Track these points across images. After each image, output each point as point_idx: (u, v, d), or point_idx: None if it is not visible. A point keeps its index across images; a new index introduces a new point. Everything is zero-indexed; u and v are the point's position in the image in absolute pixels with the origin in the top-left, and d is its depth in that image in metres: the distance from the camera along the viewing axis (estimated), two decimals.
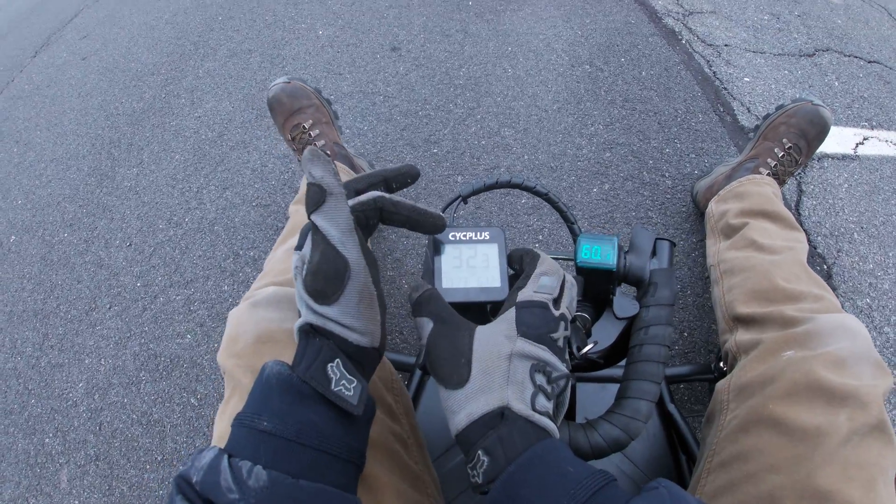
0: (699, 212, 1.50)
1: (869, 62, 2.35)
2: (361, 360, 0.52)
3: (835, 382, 0.70)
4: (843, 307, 1.36)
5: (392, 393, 0.80)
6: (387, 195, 0.57)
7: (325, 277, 0.49)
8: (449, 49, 2.28)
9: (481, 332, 0.53)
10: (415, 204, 0.57)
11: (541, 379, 0.50)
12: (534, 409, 0.48)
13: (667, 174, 1.67)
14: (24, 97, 2.64)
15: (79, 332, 1.53)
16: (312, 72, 2.24)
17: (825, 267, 1.48)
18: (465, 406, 0.49)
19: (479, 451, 0.47)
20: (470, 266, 0.63)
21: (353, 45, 2.38)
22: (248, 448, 0.46)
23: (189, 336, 1.44)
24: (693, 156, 1.73)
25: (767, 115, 1.42)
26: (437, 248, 0.64)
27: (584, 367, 0.73)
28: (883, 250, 1.55)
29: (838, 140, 1.88)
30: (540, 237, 1.52)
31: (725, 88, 2.02)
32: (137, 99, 2.32)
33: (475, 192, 0.89)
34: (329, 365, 0.49)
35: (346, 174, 1.36)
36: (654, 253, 0.70)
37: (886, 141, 1.93)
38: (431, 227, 0.58)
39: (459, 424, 0.49)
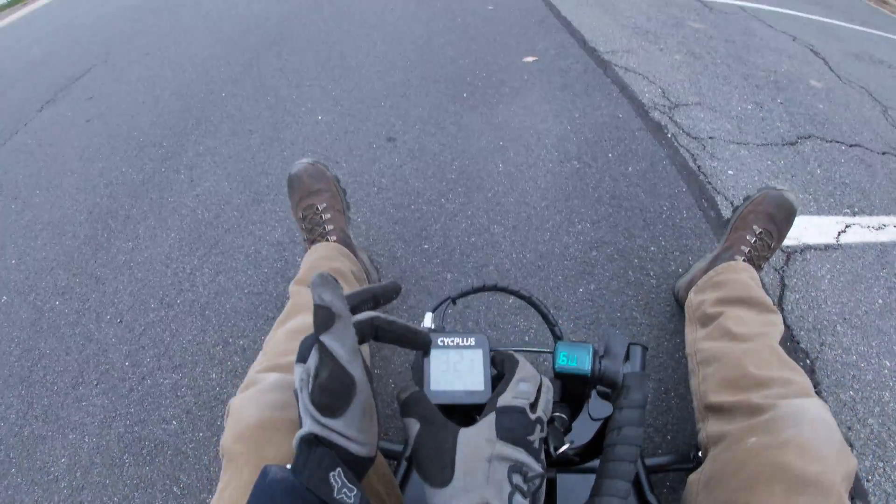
0: (681, 308, 1.53)
1: (850, 146, 2.45)
2: (358, 469, 0.56)
3: (796, 469, 0.73)
4: (826, 401, 1.39)
5: (382, 482, 0.82)
6: (382, 315, 0.61)
7: (332, 394, 0.53)
8: (443, 141, 2.36)
9: (464, 434, 0.57)
10: (407, 324, 0.62)
11: (518, 479, 0.54)
12: None
13: (651, 273, 1.72)
14: (27, 152, 2.71)
15: (64, 405, 1.53)
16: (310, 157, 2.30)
17: (808, 362, 1.51)
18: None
19: None
20: (456, 370, 0.67)
21: (351, 132, 2.46)
22: None
23: (175, 422, 1.44)
24: (677, 253, 1.78)
25: (737, 207, 1.49)
26: (426, 353, 0.68)
27: (562, 464, 0.76)
28: (866, 340, 1.58)
29: (820, 230, 1.94)
30: (526, 337, 1.55)
31: (709, 182, 2.09)
32: (138, 170, 2.38)
33: (464, 295, 0.96)
34: (331, 474, 0.52)
35: (347, 258, 1.41)
36: (627, 357, 0.74)
37: (868, 227, 1.98)
38: (420, 345, 0.64)
39: None
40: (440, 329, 0.87)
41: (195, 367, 1.56)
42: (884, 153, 2.46)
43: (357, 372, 0.55)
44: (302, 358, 0.58)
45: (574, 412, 0.78)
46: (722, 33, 3.78)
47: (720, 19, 4.13)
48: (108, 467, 1.38)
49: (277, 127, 2.57)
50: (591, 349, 0.73)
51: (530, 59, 3.16)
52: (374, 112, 2.64)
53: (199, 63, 3.43)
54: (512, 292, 0.94)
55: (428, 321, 0.90)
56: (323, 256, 1.37)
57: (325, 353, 0.54)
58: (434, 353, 0.68)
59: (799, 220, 1.92)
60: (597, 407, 0.76)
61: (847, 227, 1.98)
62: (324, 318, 0.54)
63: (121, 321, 1.72)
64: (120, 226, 2.08)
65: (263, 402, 0.78)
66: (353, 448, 0.55)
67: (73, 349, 1.67)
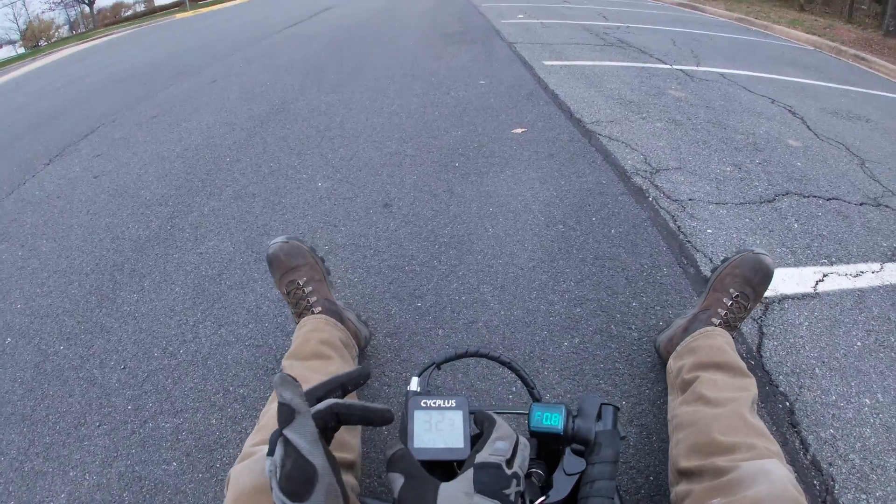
0: (663, 362, 1.60)
1: (828, 199, 2.57)
2: None
3: None
4: (806, 441, 1.45)
5: None
6: (341, 401, 0.72)
7: (297, 482, 0.62)
8: (436, 208, 2.50)
9: (444, 488, 0.65)
10: (365, 405, 0.72)
11: None
12: None
13: (633, 327, 1.80)
14: (35, 203, 2.82)
15: (65, 444, 1.56)
16: (310, 221, 2.42)
17: (787, 404, 1.57)
18: None
19: None
20: (438, 429, 0.75)
21: (349, 199, 2.60)
22: None
23: (175, 464, 1.48)
24: (658, 308, 1.87)
25: (716, 268, 1.57)
26: (410, 414, 0.77)
27: None
28: (845, 381, 1.64)
29: (798, 280, 2.03)
30: (513, 389, 1.62)
31: (689, 241, 2.21)
32: (144, 227, 2.49)
33: (448, 360, 1.02)
34: None
35: (334, 327, 1.47)
36: (599, 416, 0.81)
37: (846, 275, 2.07)
38: (382, 421, 0.73)
39: None
40: (425, 392, 0.93)
41: (196, 413, 1.61)
42: (861, 204, 2.58)
43: (318, 460, 0.64)
44: (270, 451, 0.66)
45: (550, 468, 0.82)
46: (702, 100, 3.98)
47: (701, 87, 4.34)
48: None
49: (279, 192, 2.69)
50: (563, 409, 0.80)
51: (519, 130, 3.34)
52: (371, 180, 2.77)
53: (205, 129, 3.60)
54: (493, 358, 1.01)
55: (414, 385, 0.96)
56: (312, 329, 1.43)
57: (288, 445, 0.64)
58: (417, 413, 0.77)
59: (776, 273, 2.01)
60: (571, 463, 0.81)
61: (825, 276, 2.07)
62: (285, 414, 0.65)
63: (124, 367, 1.78)
64: (126, 278, 2.17)
65: (258, 469, 0.87)
66: None
67: (76, 392, 1.71)
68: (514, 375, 1.64)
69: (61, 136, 3.72)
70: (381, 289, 2.01)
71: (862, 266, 2.14)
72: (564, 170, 2.81)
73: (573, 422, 0.81)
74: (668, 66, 4.95)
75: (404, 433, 0.77)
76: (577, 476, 0.79)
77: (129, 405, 1.65)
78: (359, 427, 1.36)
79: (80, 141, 3.59)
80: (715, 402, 1.18)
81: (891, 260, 2.19)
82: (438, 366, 1.01)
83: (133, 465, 1.49)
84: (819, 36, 8.49)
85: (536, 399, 1.00)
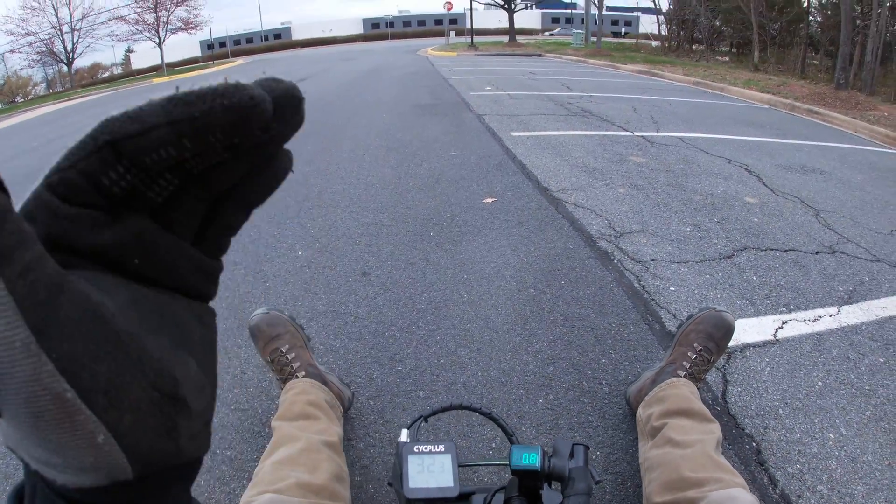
0: (632, 411, 1.69)
1: (784, 251, 2.73)
2: None
3: None
4: (774, 477, 1.54)
5: None
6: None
7: None
8: (413, 276, 2.61)
9: None
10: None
11: None
12: None
13: (604, 382, 1.90)
14: None
15: None
16: (291, 290, 2.51)
17: (753, 444, 1.65)
18: None
19: None
20: (430, 471, 0.84)
21: (329, 267, 2.70)
22: None
23: None
24: (627, 363, 1.98)
25: (681, 324, 1.67)
26: (405, 458, 0.85)
27: None
28: (808, 419, 1.74)
29: (758, 329, 2.15)
30: (493, 444, 1.68)
31: (653, 300, 2.33)
32: None
33: (434, 413, 1.12)
34: None
35: (320, 389, 1.54)
36: (571, 455, 0.89)
37: (804, 321, 2.19)
38: (251, 119, 0.28)
39: None
40: (414, 441, 1.01)
41: None
42: (817, 253, 2.74)
43: None
44: None
45: (532, 502, 0.90)
46: (662, 165, 4.19)
47: (661, 152, 4.56)
48: None
49: (260, 260, 2.78)
50: (539, 449, 0.86)
51: (489, 200, 3.51)
52: (349, 249, 2.89)
53: None
54: (475, 410, 1.11)
55: (404, 436, 1.03)
56: (298, 392, 1.49)
57: None
58: (411, 457, 0.86)
59: (738, 323, 2.12)
60: (549, 497, 0.90)
61: (784, 322, 2.19)
62: None
63: None
64: None
65: None
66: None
67: None
68: (493, 431, 1.73)
69: None
70: (363, 354, 2.09)
71: (819, 311, 2.27)
72: (534, 237, 2.96)
73: (549, 460, 0.87)
74: (630, 133, 5.21)
75: (398, 476, 0.86)
76: None
77: None
78: (347, 476, 1.37)
79: None
80: (683, 444, 1.28)
81: (847, 303, 2.33)
82: (426, 418, 1.11)
83: None
84: (773, 94, 8.92)
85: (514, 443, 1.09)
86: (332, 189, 3.79)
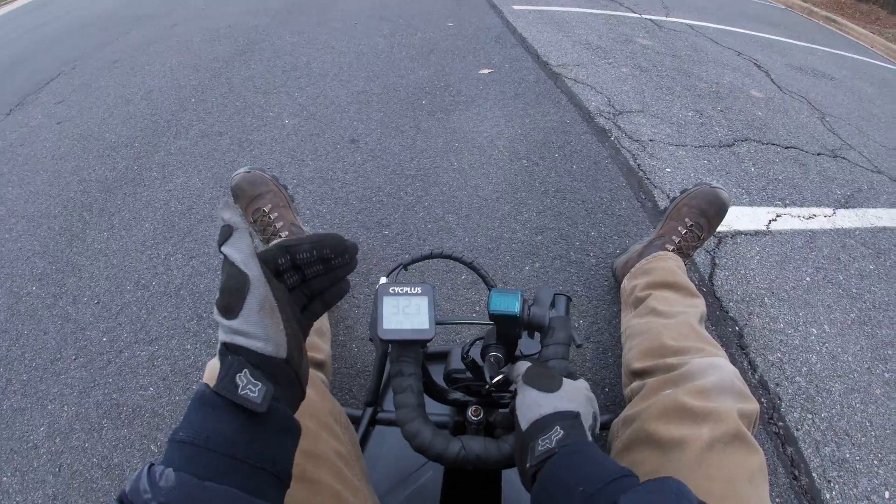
0: (618, 284, 1.68)
1: (786, 148, 2.68)
2: (272, 372, 0.60)
3: (697, 405, 0.86)
4: (754, 362, 1.56)
5: (339, 424, 0.93)
6: (290, 238, 0.73)
7: (229, 293, 0.59)
8: (402, 143, 2.53)
9: (568, 380, 0.73)
10: (315, 234, 0.71)
11: (594, 423, 0.70)
12: (588, 431, 0.67)
13: (591, 254, 1.89)
14: None
15: (43, 379, 1.57)
16: (278, 157, 2.44)
17: (736, 328, 1.67)
18: (552, 402, 0.68)
19: (557, 426, 0.64)
20: (405, 313, 0.80)
21: (316, 135, 2.61)
22: (167, 457, 0.53)
23: (152, 388, 1.52)
24: (616, 238, 1.96)
25: (673, 199, 1.63)
26: (380, 299, 0.81)
27: (499, 389, 0.86)
28: (793, 311, 1.75)
29: (752, 218, 2.13)
30: (477, 308, 1.70)
31: (648, 178, 2.28)
32: (110, 168, 2.47)
33: (414, 261, 1.10)
34: (238, 375, 0.57)
35: None
36: (552, 305, 0.85)
37: (798, 216, 2.18)
38: (338, 248, 0.71)
39: (544, 412, 0.67)
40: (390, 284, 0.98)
41: (171, 340, 1.65)
42: (818, 154, 2.69)
43: (252, 271, 0.61)
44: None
45: (509, 351, 0.88)
46: (669, 49, 4.02)
47: (669, 37, 4.37)
48: (87, 432, 1.44)
49: (246, 129, 2.69)
50: (519, 294, 0.83)
51: (486, 70, 3.35)
52: (337, 117, 2.78)
53: (168, 71, 3.53)
54: (456, 258, 1.10)
55: (383, 282, 1.01)
56: None
57: (224, 261, 0.62)
58: (386, 299, 0.80)
59: (731, 210, 2.09)
60: (528, 345, 0.90)
61: (778, 216, 2.17)
62: (224, 233, 0.63)
63: (98, 302, 1.79)
64: (95, 218, 2.16)
65: None
66: (257, 346, 0.59)
67: (50, 329, 1.72)
68: (477, 295, 1.74)
69: (20, 85, 3.60)
70: (349, 218, 2.06)
71: (815, 210, 2.25)
72: (530, 109, 2.86)
73: (528, 309, 0.84)
74: (638, 16, 4.96)
75: (374, 325, 0.82)
76: (534, 356, 0.85)
77: (104, 337, 1.68)
78: (329, 332, 1.42)
79: (41, 90, 3.48)
80: (666, 315, 1.27)
81: (843, 206, 2.30)
82: (406, 266, 1.09)
83: (111, 393, 1.52)
84: None
85: (492, 286, 1.09)
86: (321, 59, 3.61)
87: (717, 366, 0.96)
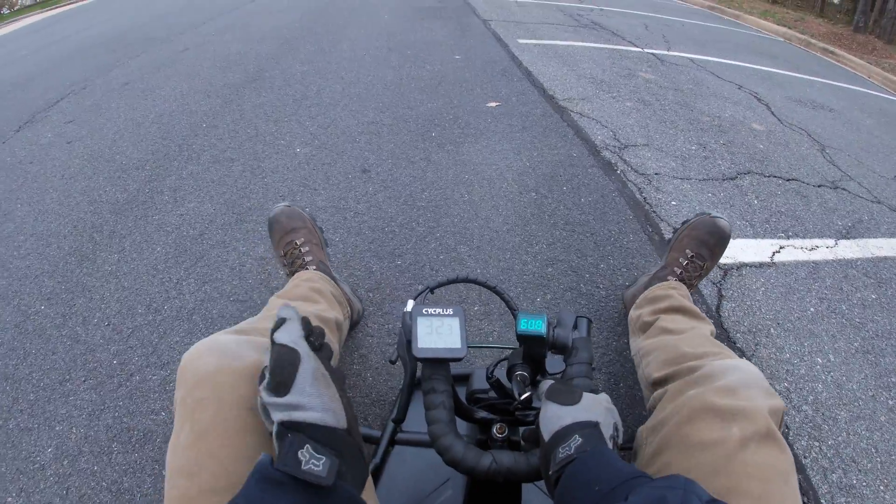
0: (627, 313, 1.69)
1: (787, 180, 2.71)
2: (335, 445, 0.62)
3: (725, 404, 0.85)
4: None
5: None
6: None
7: (280, 369, 0.63)
8: (413, 174, 2.56)
9: (588, 394, 0.74)
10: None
11: (615, 433, 0.72)
12: (609, 441, 0.68)
13: (601, 286, 1.90)
14: (6, 168, 2.76)
15: (51, 399, 1.54)
16: (290, 185, 2.46)
17: (744, 358, 1.66)
18: (572, 414, 0.70)
19: (576, 435, 0.66)
20: (438, 333, 0.84)
21: (328, 164, 2.64)
22: None
23: (164, 413, 1.50)
24: (624, 270, 1.98)
25: (676, 230, 1.64)
26: (414, 320, 0.85)
27: (524, 408, 0.89)
28: (798, 341, 1.76)
29: (756, 250, 2.15)
30: (490, 338, 1.71)
31: (654, 211, 2.31)
32: (121, 190, 2.47)
33: (440, 285, 1.15)
34: (299, 451, 0.58)
35: (327, 282, 1.49)
36: (575, 326, 0.90)
37: (801, 248, 2.20)
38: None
39: (564, 422, 0.69)
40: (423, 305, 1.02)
41: None
42: (819, 186, 2.72)
43: (301, 347, 0.66)
44: (261, 378, 0.69)
45: (534, 371, 0.92)
46: (671, 83, 4.09)
47: (671, 71, 4.44)
48: (97, 455, 1.41)
49: (258, 157, 2.71)
50: (545, 317, 0.87)
51: (493, 104, 3.41)
52: (349, 147, 2.81)
53: (179, 96, 3.57)
54: (480, 283, 1.15)
55: (410, 306, 1.01)
56: (305, 279, 1.43)
57: (272, 345, 0.66)
58: (420, 319, 0.85)
59: (735, 243, 2.15)
60: (553, 364, 0.93)
61: (781, 247, 2.19)
62: (277, 323, 0.69)
63: (108, 324, 1.77)
64: (105, 239, 2.15)
65: (221, 351, 0.82)
66: (316, 417, 0.62)
67: (59, 349, 1.69)
68: (490, 326, 1.75)
69: (30, 103, 3.62)
70: (362, 248, 2.07)
71: (817, 241, 2.27)
72: (537, 142, 2.90)
73: (553, 331, 0.88)
74: (640, 50, 5.05)
75: (403, 346, 0.88)
76: (558, 375, 0.90)
77: (115, 360, 1.65)
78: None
79: (50, 108, 3.50)
80: (678, 332, 1.27)
81: (844, 237, 2.32)
82: (432, 290, 1.14)
83: (121, 416, 1.49)
84: (789, 28, 8.66)
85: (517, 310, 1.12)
86: (331, 88, 3.66)
87: (739, 366, 0.95)
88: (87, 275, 1.99)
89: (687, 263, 1.55)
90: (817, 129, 3.55)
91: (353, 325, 1.64)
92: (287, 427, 0.61)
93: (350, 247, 2.07)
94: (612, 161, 2.73)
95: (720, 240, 1.54)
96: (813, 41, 7.77)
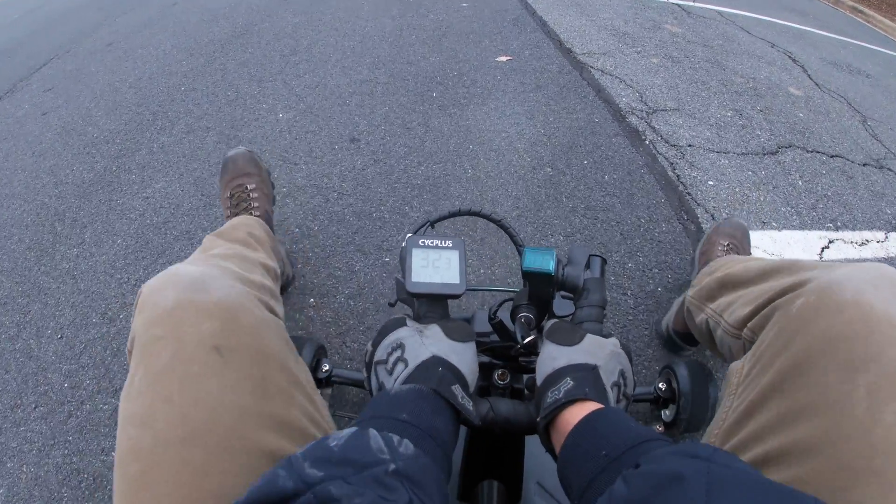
0: (662, 340, 1.46)
1: (831, 157, 2.41)
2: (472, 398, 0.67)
3: (858, 340, 0.59)
4: None
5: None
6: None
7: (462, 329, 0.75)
8: (409, 144, 2.26)
9: (592, 335, 0.72)
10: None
11: (620, 381, 0.68)
12: (610, 388, 0.65)
13: (629, 292, 1.62)
14: None
15: (2, 429, 1.39)
16: (268, 158, 2.19)
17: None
18: (567, 355, 0.67)
19: (568, 377, 0.64)
20: (435, 266, 0.80)
21: (313, 132, 2.35)
22: (393, 429, 0.54)
23: (114, 453, 1.30)
24: (656, 270, 1.69)
25: (696, 248, 1.51)
26: (409, 251, 0.81)
27: (528, 352, 0.83)
28: None
29: (804, 245, 1.89)
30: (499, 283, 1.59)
31: (689, 193, 2.02)
32: (89, 168, 2.24)
33: (442, 218, 1.07)
34: (452, 386, 0.64)
35: (268, 234, 1.33)
36: (587, 266, 0.83)
37: (851, 242, 1.94)
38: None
39: (558, 364, 0.67)
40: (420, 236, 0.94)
41: None
42: (864, 164, 2.42)
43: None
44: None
45: (540, 313, 0.86)
46: (700, 38, 3.73)
47: (698, 24, 4.08)
48: (47, 502, 1.26)
49: (235, 125, 2.43)
50: (553, 253, 0.80)
51: (504, 58, 3.06)
52: (337, 110, 2.51)
53: (162, 55, 3.29)
54: (485, 216, 1.06)
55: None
56: (245, 223, 1.28)
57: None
58: (416, 251, 0.81)
59: (783, 235, 1.90)
60: (561, 305, 0.86)
61: (830, 242, 1.93)
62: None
63: (62, 337, 1.58)
64: (67, 230, 1.94)
65: (183, 283, 0.71)
66: (466, 371, 0.69)
67: (12, 367, 1.52)
68: (502, 266, 1.69)
69: (13, 70, 3.40)
70: (345, 240, 1.80)
71: (867, 234, 2.01)
72: (553, 104, 2.58)
73: (563, 269, 0.81)
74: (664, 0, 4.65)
75: (400, 286, 0.82)
76: (567, 318, 0.82)
77: (66, 382, 1.47)
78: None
79: (33, 75, 3.27)
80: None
81: (894, 229, 2.07)
82: (433, 224, 1.06)
83: (70, 455, 1.33)
84: None
85: (522, 246, 1.05)
86: (324, 42, 3.32)
87: (876, 267, 0.67)
88: (44, 273, 1.79)
89: (724, 252, 1.40)
90: (856, 97, 3.20)
91: (282, 289, 1.46)
92: (438, 362, 0.66)
93: (331, 238, 1.80)
94: (640, 128, 2.40)
95: (744, 234, 1.46)
96: None
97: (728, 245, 1.40)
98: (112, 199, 2.05)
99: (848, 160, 2.43)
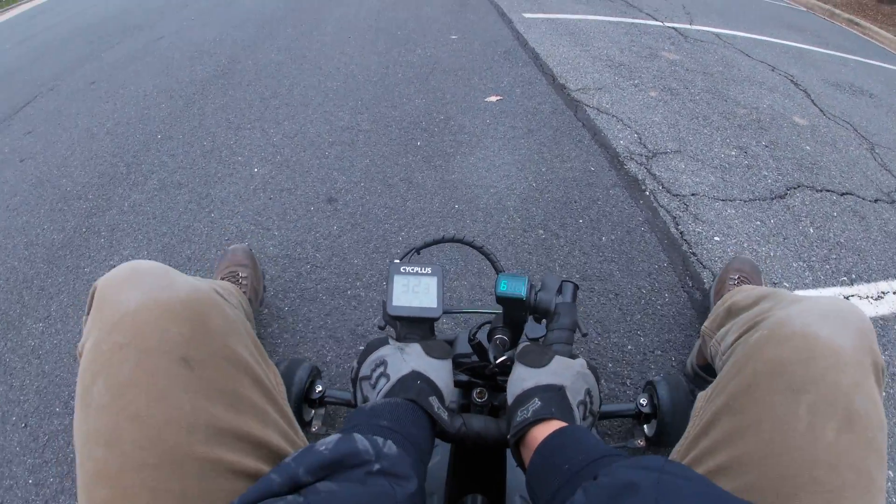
0: (688, 380, 1.41)
1: (841, 195, 2.30)
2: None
3: (798, 365, 0.65)
4: None
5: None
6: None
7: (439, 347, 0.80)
8: (390, 204, 2.12)
9: (560, 357, 0.75)
10: None
11: (587, 399, 0.72)
12: (576, 406, 0.69)
13: (627, 380, 1.47)
14: None
15: None
16: (239, 222, 2.06)
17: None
18: (536, 376, 0.72)
19: (536, 398, 0.68)
20: (414, 291, 0.86)
21: (288, 190, 2.22)
22: (374, 434, 0.57)
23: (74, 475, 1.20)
24: (659, 353, 1.54)
25: (705, 293, 1.61)
26: (391, 278, 0.87)
27: (501, 373, 0.88)
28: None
29: None
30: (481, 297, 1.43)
31: (694, 253, 1.88)
32: (59, 228, 2.13)
33: (427, 245, 1.09)
34: (430, 398, 0.69)
35: (247, 304, 1.35)
36: (559, 291, 0.86)
37: (867, 297, 1.83)
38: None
39: (527, 385, 0.71)
40: (402, 263, 0.96)
41: None
42: (875, 200, 2.30)
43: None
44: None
45: (515, 335, 0.92)
46: (698, 65, 3.61)
47: (696, 48, 3.96)
48: None
49: (209, 181, 2.30)
50: (526, 280, 0.85)
51: (494, 98, 2.94)
52: (315, 164, 2.39)
53: (142, 97, 3.19)
54: (466, 243, 1.08)
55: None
56: (229, 287, 1.25)
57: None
58: (397, 277, 0.87)
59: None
60: (533, 328, 0.93)
61: (846, 299, 1.78)
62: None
63: (26, 426, 1.46)
64: (34, 300, 1.82)
65: (146, 281, 0.66)
66: (442, 385, 0.74)
67: None
68: (474, 294, 1.72)
69: None
70: (316, 323, 1.65)
71: (883, 285, 1.88)
72: (546, 152, 2.44)
73: (536, 294, 0.85)
74: (660, 24, 4.54)
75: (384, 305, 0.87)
76: (539, 340, 0.87)
77: (31, 478, 1.35)
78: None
79: (16, 114, 3.18)
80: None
81: None
82: (418, 250, 1.08)
83: None
84: None
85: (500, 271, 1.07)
86: (306, 82, 3.21)
87: (832, 300, 0.73)
88: (10, 350, 1.66)
89: (735, 285, 1.44)
90: (861, 122, 3.08)
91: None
92: (416, 376, 0.71)
93: (301, 321, 1.65)
94: (639, 177, 2.27)
95: (753, 269, 1.51)
96: (837, 11, 7.32)
97: (738, 278, 1.46)
98: (79, 265, 1.94)
99: (859, 197, 2.31)
